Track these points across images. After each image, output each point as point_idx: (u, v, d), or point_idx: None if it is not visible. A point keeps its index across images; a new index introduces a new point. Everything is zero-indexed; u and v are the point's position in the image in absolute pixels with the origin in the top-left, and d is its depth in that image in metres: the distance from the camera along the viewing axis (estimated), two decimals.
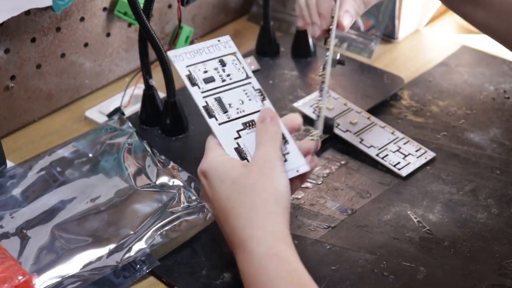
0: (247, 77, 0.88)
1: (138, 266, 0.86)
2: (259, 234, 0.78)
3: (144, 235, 0.87)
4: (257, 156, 0.83)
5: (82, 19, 1.08)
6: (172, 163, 0.97)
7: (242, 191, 0.80)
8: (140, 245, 0.86)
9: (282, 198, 0.80)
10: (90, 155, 0.97)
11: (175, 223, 0.89)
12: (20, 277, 0.78)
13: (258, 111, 0.85)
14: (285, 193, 0.80)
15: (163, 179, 0.95)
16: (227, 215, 0.81)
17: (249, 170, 0.81)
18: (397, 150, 1.01)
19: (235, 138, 0.84)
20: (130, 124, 1.01)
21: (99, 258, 0.85)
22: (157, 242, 0.87)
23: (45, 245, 0.86)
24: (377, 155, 1.01)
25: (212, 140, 0.85)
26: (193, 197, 0.92)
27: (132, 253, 0.86)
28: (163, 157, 0.98)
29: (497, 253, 0.88)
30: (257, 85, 0.87)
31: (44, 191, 0.93)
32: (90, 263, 0.84)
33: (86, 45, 1.10)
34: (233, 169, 0.82)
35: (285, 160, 0.84)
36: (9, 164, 0.97)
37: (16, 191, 0.92)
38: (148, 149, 0.98)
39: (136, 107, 1.09)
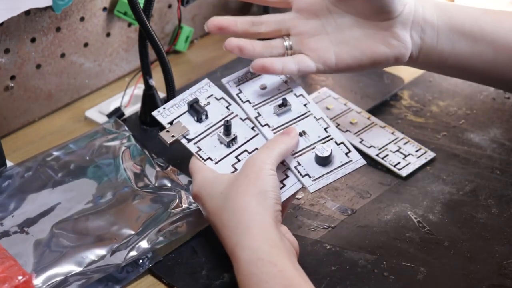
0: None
1: (141, 261, 0.87)
2: (242, 240, 0.78)
3: (146, 236, 0.87)
4: (246, 161, 0.83)
5: (82, 19, 1.08)
6: (170, 167, 0.97)
7: (227, 198, 0.81)
8: (143, 245, 0.87)
9: (265, 197, 0.80)
10: (87, 157, 0.97)
11: (177, 224, 0.89)
12: (20, 277, 0.78)
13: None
14: (270, 192, 0.81)
15: (162, 182, 0.95)
16: (218, 228, 0.81)
17: (236, 177, 0.82)
18: (397, 150, 1.01)
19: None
20: (126, 128, 1.01)
21: (102, 257, 0.85)
22: (160, 242, 0.87)
23: (47, 243, 0.86)
24: (377, 155, 1.00)
25: (196, 162, 0.86)
26: None
27: (135, 252, 0.86)
28: (161, 160, 0.98)
29: (497, 253, 0.88)
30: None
31: (42, 192, 0.93)
32: (93, 261, 0.85)
33: (86, 45, 1.10)
34: (222, 182, 0.83)
35: (288, 176, 0.86)
36: (9, 164, 0.96)
37: (14, 192, 0.92)
38: (146, 152, 0.98)
39: (136, 107, 1.09)
